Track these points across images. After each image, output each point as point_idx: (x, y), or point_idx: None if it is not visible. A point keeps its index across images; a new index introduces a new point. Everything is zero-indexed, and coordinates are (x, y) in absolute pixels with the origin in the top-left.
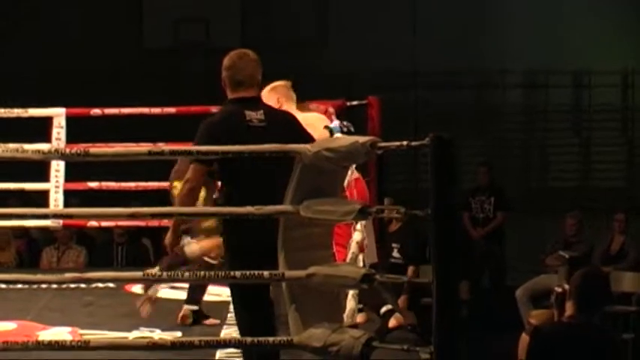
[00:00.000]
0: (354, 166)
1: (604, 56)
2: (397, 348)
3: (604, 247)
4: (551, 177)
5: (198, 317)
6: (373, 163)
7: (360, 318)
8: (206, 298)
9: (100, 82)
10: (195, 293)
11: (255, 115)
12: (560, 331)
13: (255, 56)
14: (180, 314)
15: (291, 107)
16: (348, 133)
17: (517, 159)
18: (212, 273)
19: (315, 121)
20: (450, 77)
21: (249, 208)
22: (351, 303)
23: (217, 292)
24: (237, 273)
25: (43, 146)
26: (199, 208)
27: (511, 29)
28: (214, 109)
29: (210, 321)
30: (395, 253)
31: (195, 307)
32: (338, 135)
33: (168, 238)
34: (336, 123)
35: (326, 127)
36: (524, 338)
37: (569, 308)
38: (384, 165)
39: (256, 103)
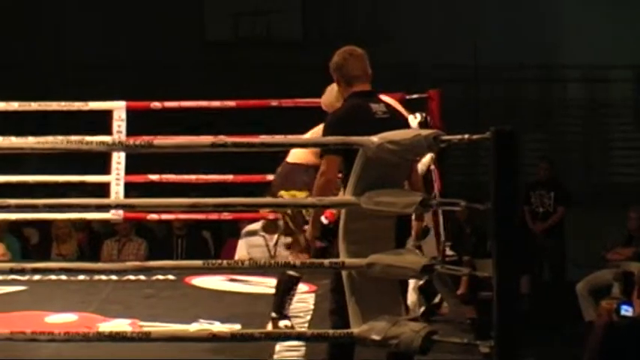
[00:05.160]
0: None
1: None
2: (457, 342)
3: None
4: (613, 172)
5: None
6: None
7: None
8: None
9: (160, 74)
10: (285, 303)
11: (378, 107)
12: (635, 327)
13: (363, 51)
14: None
15: None
16: (426, 122)
17: (578, 153)
18: (272, 262)
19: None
20: (510, 71)
21: (311, 199)
22: (412, 296)
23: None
24: (297, 261)
25: (106, 138)
26: (266, 199)
27: (572, 23)
28: (274, 102)
29: None
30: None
31: (288, 322)
32: None
33: (310, 234)
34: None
35: None
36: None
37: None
38: (444, 159)
39: (376, 95)
